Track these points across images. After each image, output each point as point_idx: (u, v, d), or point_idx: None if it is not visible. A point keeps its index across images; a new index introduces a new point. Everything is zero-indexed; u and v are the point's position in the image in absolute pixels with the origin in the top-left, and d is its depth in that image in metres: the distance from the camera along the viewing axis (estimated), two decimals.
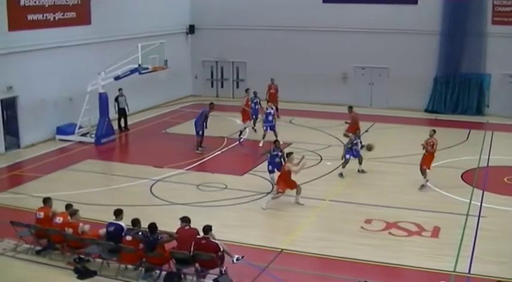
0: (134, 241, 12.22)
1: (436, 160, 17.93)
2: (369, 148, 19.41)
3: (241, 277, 12.17)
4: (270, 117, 22.76)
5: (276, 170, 17.41)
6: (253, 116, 24.96)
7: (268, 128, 22.74)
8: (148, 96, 28.91)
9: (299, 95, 30.63)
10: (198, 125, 21.93)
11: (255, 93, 25.39)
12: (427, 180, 17.80)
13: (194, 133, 22.03)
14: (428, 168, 17.82)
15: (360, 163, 19.29)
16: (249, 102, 24.72)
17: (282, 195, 16.23)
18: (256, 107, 24.98)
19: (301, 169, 16.19)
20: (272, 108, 23.09)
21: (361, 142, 19.29)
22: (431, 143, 17.73)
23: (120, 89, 24.77)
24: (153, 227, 12.26)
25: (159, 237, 12.19)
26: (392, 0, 29.00)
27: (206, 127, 22.13)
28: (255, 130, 24.73)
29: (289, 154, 16.68)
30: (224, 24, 31.97)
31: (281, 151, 17.61)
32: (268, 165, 17.66)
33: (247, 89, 25.91)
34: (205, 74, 33.64)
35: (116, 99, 24.99)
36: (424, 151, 17.87)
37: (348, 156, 18.99)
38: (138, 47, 22.79)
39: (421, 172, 17.81)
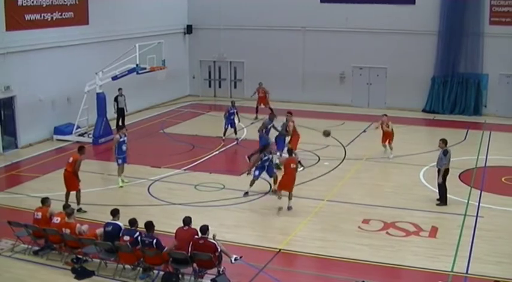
0: (132, 241, 12.20)
1: (435, 160, 17.77)
2: (326, 134, 20.00)
3: (239, 277, 12.15)
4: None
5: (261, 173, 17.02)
6: (230, 127, 23.16)
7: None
8: (146, 96, 28.88)
9: (297, 95, 30.63)
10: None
11: (232, 102, 24.05)
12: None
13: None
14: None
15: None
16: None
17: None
18: (232, 117, 23.20)
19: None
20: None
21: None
22: (291, 126, 19.67)
23: (119, 89, 24.71)
24: (149, 225, 12.26)
25: (154, 238, 12.13)
26: (390, 0, 29.03)
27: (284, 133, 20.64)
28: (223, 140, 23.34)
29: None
30: (222, 24, 31.95)
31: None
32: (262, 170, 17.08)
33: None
34: (203, 74, 33.60)
35: (116, 99, 24.90)
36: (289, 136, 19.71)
37: (257, 173, 17.05)
38: (136, 47, 22.77)
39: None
